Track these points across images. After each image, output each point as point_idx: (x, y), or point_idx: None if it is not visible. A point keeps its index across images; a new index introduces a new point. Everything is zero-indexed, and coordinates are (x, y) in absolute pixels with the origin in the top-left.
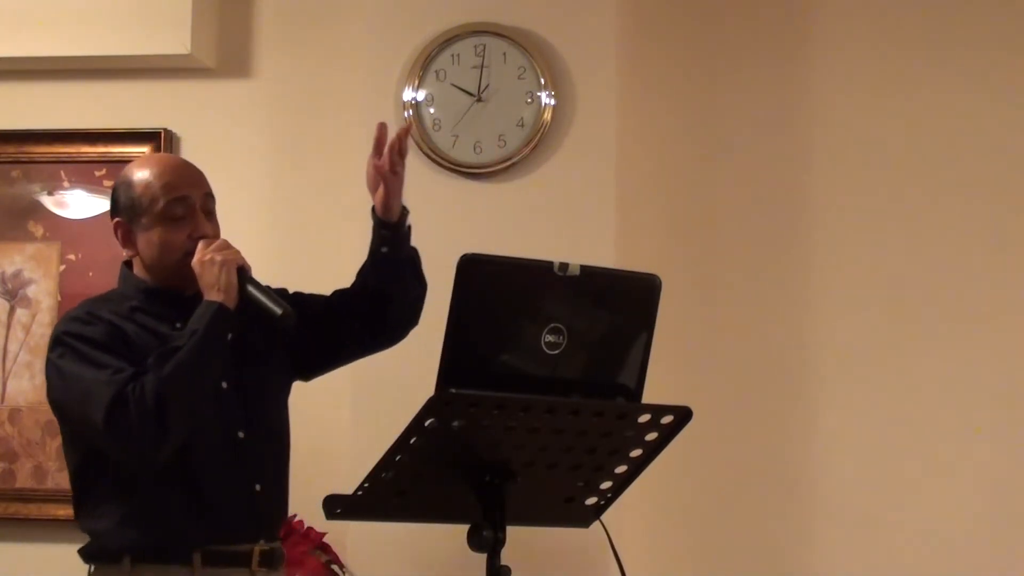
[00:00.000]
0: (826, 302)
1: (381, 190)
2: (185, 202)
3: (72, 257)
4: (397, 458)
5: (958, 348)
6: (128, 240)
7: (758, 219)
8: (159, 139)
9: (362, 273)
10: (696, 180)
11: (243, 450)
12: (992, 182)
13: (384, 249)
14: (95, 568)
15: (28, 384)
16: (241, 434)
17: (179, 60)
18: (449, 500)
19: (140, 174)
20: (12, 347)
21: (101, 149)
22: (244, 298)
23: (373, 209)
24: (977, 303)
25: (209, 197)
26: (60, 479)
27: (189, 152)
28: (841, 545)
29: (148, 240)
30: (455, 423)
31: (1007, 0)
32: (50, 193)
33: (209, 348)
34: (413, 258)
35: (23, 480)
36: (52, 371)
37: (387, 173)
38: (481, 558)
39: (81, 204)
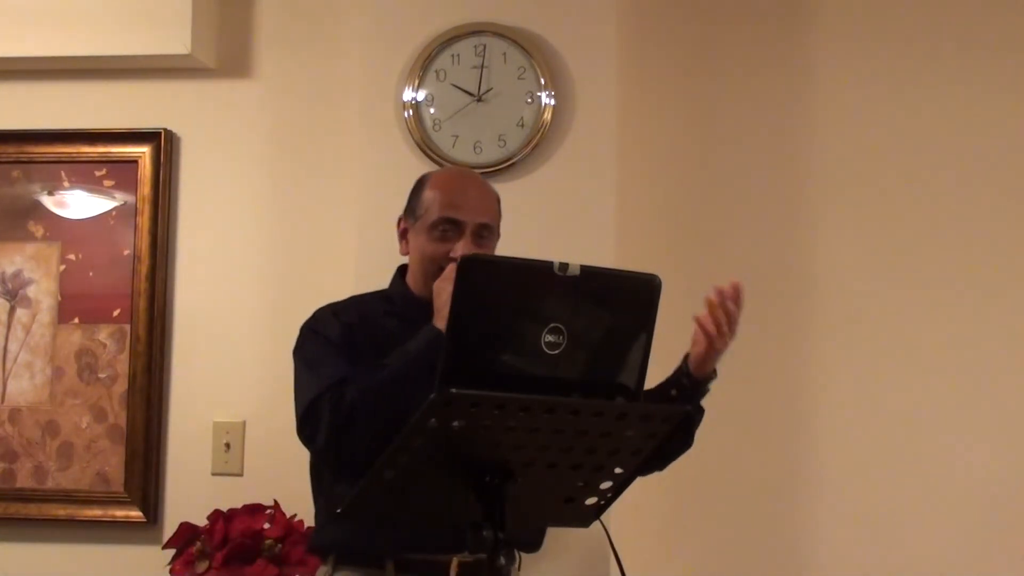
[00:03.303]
0: (827, 300)
1: (702, 345)
2: (456, 224)
3: (72, 257)
4: (397, 458)
5: (961, 349)
6: (403, 238)
7: (758, 219)
8: (159, 139)
9: None
10: (696, 180)
11: None
12: (994, 183)
13: (673, 393)
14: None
15: (28, 384)
16: None
17: (179, 60)
18: (449, 500)
19: (433, 182)
20: (12, 347)
21: (101, 149)
22: None
23: (686, 355)
24: (980, 306)
25: (485, 228)
26: (60, 479)
27: (189, 152)
28: (842, 545)
29: (415, 245)
30: (455, 423)
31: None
32: (50, 193)
33: (416, 372)
34: (696, 419)
35: (23, 480)
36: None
37: (713, 334)
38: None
39: (81, 204)
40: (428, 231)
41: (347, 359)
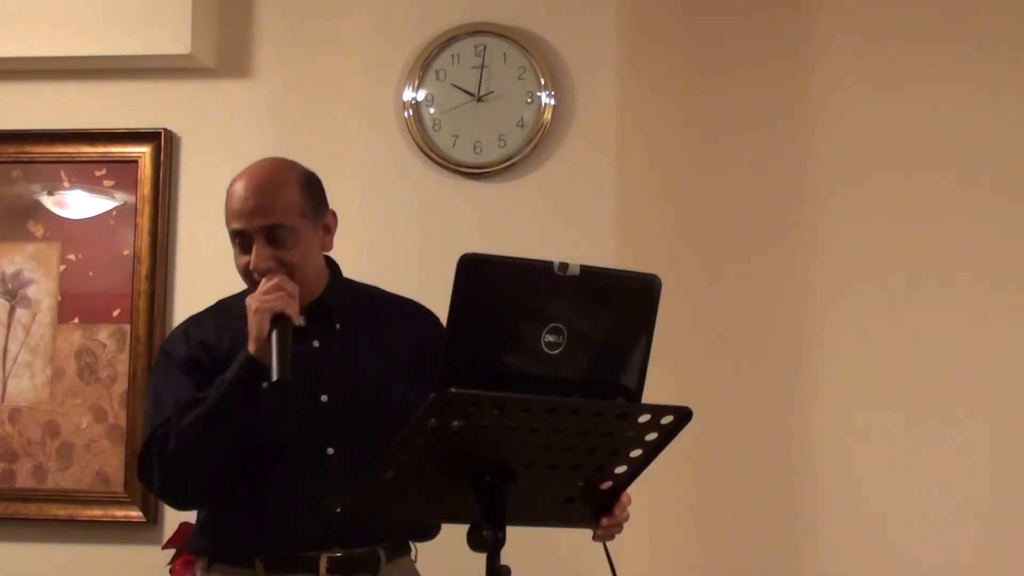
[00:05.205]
0: (826, 301)
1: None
2: (242, 235)
3: (72, 257)
4: (398, 458)
5: (960, 348)
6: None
7: (758, 218)
8: (159, 139)
9: None
10: (696, 179)
11: (330, 466)
12: (994, 179)
13: None
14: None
15: (28, 384)
16: (331, 450)
17: (179, 60)
18: (449, 500)
19: (228, 189)
20: (12, 347)
21: (101, 149)
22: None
23: None
24: (979, 303)
25: (278, 228)
26: (60, 479)
27: (189, 152)
28: (841, 545)
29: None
30: (455, 423)
31: None
32: (50, 193)
33: (232, 403)
34: None
35: (23, 480)
36: None
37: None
38: (481, 558)
39: (81, 204)
40: (232, 244)
41: (191, 381)
